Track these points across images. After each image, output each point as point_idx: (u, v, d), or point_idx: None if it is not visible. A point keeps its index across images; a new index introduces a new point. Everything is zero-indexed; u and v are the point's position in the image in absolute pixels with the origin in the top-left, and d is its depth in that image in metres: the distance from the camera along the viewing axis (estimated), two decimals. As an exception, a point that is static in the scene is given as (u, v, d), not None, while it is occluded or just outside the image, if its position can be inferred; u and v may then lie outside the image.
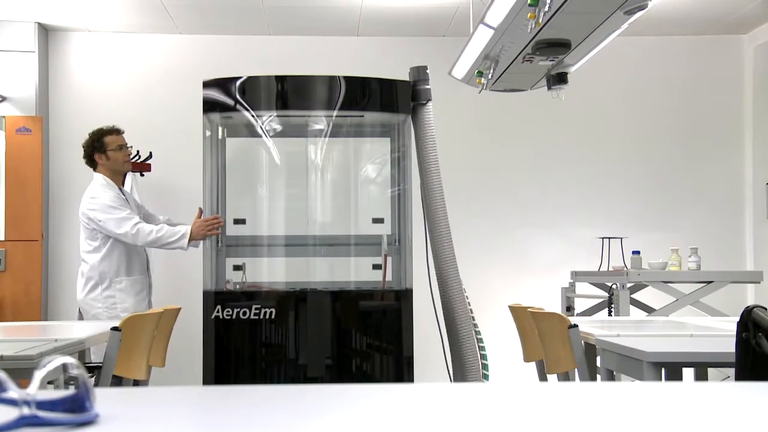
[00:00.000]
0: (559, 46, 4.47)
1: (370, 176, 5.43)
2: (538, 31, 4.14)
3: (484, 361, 4.61)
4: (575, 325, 2.77)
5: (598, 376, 3.05)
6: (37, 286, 6.41)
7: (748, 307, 1.86)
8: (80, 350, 2.56)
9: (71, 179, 6.79)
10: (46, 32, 6.80)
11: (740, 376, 1.85)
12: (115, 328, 2.66)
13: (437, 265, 4.81)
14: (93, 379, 2.72)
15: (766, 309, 1.82)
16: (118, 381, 3.15)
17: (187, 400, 1.17)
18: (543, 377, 3.43)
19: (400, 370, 4.75)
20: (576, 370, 2.85)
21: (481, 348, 4.60)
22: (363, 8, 6.40)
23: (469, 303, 4.74)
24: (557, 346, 2.87)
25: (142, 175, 6.54)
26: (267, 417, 1.01)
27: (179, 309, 3.67)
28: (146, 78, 6.95)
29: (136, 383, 3.05)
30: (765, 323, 1.74)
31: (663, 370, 2.48)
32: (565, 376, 3.03)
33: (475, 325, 4.65)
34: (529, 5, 3.78)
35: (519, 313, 3.77)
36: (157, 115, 6.88)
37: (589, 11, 3.90)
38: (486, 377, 4.70)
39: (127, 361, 2.73)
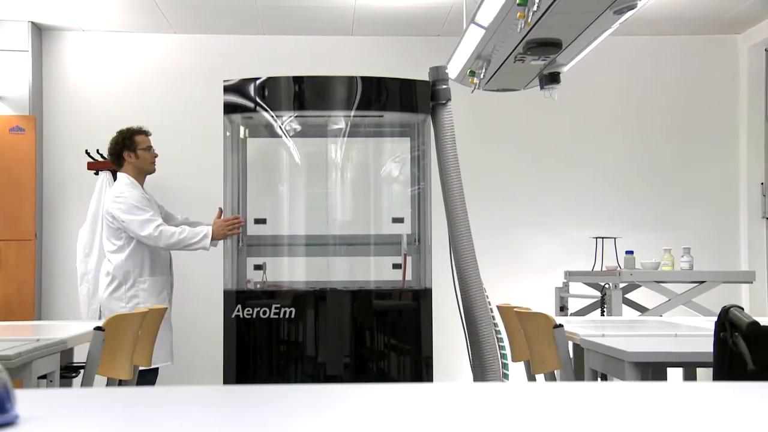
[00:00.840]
0: (549, 46, 4.47)
1: (389, 176, 5.44)
2: (529, 31, 4.14)
3: (504, 361, 4.62)
4: (560, 325, 2.77)
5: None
6: (30, 286, 6.41)
7: (725, 307, 1.86)
8: (62, 350, 2.55)
9: (65, 179, 6.79)
10: (39, 31, 6.80)
11: (718, 376, 1.85)
12: (98, 328, 2.65)
13: (457, 265, 4.83)
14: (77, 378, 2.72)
15: (743, 309, 1.81)
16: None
17: (113, 402, 1.17)
18: (531, 377, 3.43)
19: (419, 369, 4.76)
20: (561, 370, 2.85)
21: (501, 348, 4.61)
22: (357, 8, 6.39)
23: (489, 303, 4.76)
24: (543, 346, 2.87)
25: (135, 174, 6.52)
26: (269, 416, 1.01)
27: (165, 309, 3.68)
28: (141, 77, 6.94)
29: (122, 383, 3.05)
30: (741, 323, 1.73)
31: (650, 371, 2.48)
32: (552, 376, 3.02)
33: (496, 325, 4.66)
34: (518, 5, 3.77)
35: (506, 313, 3.77)
36: (152, 115, 6.85)
37: (579, 11, 3.89)
38: (506, 377, 4.71)
39: (111, 362, 2.72)
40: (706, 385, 1.43)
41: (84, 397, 1.24)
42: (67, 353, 3.13)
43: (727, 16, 6.66)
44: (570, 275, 6.18)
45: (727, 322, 1.80)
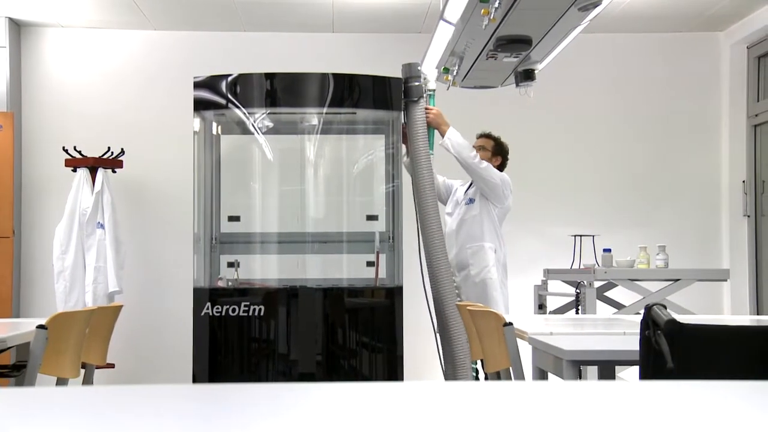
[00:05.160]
0: (520, 43, 4.46)
1: (363, 173, 5.43)
2: (497, 28, 4.12)
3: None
4: (510, 324, 2.75)
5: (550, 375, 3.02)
6: (8, 283, 6.38)
7: (648, 305, 1.84)
8: (1, 348, 2.53)
9: (44, 175, 6.77)
10: (18, 27, 6.77)
11: (644, 375, 1.83)
12: (40, 326, 2.63)
13: (428, 262, 4.83)
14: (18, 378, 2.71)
15: (665, 307, 1.80)
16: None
17: (70, 401, 1.15)
18: (491, 376, 3.41)
19: (391, 366, 4.76)
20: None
21: None
22: (335, 4, 6.37)
23: (460, 300, 4.76)
24: (494, 345, 2.85)
25: (114, 171, 6.52)
26: (233, 416, 1.00)
27: (121, 306, 3.66)
28: (120, 74, 6.92)
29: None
30: (661, 321, 1.71)
31: (597, 370, 2.46)
32: (507, 374, 3.00)
33: None
34: (481, 2, 3.76)
35: (463, 311, 3.76)
36: (131, 112, 6.86)
37: (543, 7, 3.88)
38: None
39: (56, 360, 2.70)
40: (632, 384, 1.42)
41: (40, 397, 1.22)
42: (23, 350, 3.10)
43: (709, 13, 6.63)
44: (549, 273, 6.16)
45: (650, 321, 1.78)
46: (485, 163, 5.14)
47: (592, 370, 3.96)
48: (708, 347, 1.72)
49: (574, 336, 2.69)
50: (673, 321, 1.72)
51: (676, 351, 1.69)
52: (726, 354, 1.74)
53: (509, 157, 5.50)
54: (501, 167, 5.37)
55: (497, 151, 5.43)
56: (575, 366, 2.20)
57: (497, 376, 2.89)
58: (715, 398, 1.30)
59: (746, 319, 5.64)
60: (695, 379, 1.63)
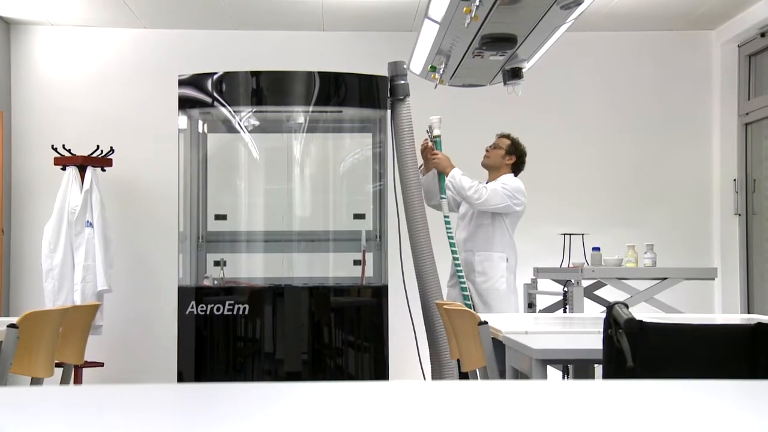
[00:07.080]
0: (505, 41, 4.45)
1: (350, 172, 5.43)
2: (481, 26, 4.11)
3: None
4: (485, 322, 2.74)
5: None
6: (-2, 281, 6.38)
7: (610, 304, 1.83)
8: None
9: (33, 174, 6.76)
10: (7, 26, 6.76)
11: (606, 373, 1.82)
12: (11, 325, 2.62)
13: (415, 261, 4.84)
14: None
15: (626, 306, 1.79)
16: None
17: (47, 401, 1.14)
18: (463, 375, 3.41)
19: (377, 365, 4.76)
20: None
21: None
22: (325, 3, 6.35)
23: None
24: (469, 343, 2.84)
25: (103, 170, 6.51)
26: (211, 415, 0.99)
27: (97, 306, 3.65)
28: (109, 72, 6.90)
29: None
30: (621, 319, 1.71)
31: (570, 368, 2.44)
32: (484, 373, 3.00)
33: None
34: (462, 0, 3.76)
35: (441, 310, 3.75)
36: (120, 110, 6.84)
37: (524, 6, 3.87)
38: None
39: (28, 359, 2.69)
40: (595, 383, 1.41)
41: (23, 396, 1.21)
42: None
43: (700, 11, 6.62)
44: (538, 272, 6.15)
45: (612, 320, 1.77)
46: (485, 194, 5.10)
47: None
48: (669, 346, 1.71)
49: (548, 335, 2.68)
50: (632, 320, 1.71)
51: (637, 350, 1.68)
52: (687, 352, 1.72)
53: (526, 160, 5.49)
54: (516, 166, 5.39)
55: (511, 150, 5.43)
56: (543, 365, 2.19)
57: (474, 374, 2.88)
58: (673, 397, 1.29)
59: (736, 317, 5.63)
60: (656, 377, 1.62)
